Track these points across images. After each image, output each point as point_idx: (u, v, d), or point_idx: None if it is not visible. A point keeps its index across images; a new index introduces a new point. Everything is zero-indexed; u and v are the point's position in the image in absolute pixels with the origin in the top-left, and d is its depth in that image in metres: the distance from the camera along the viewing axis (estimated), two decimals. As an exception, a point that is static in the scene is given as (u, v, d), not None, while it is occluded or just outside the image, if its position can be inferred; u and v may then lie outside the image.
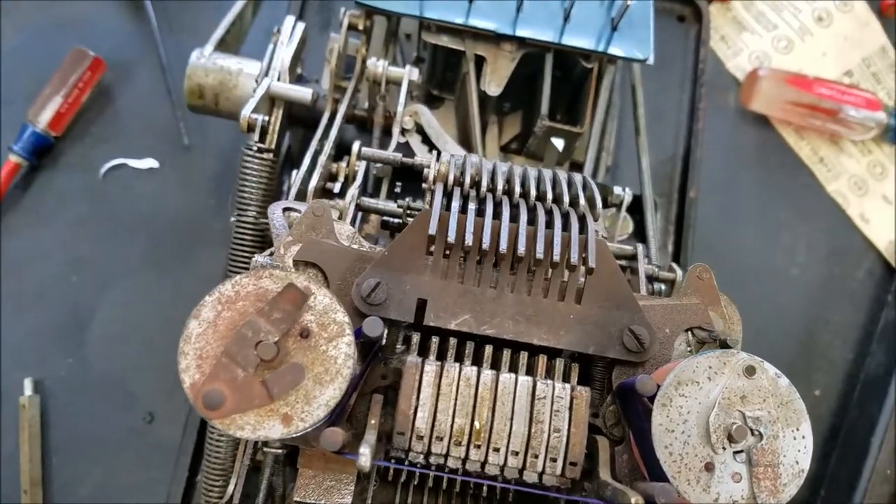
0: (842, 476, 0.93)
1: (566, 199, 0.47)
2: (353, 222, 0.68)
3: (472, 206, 0.46)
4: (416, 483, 0.57)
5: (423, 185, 0.52)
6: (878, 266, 1.06)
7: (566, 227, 0.46)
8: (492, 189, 0.48)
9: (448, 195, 0.47)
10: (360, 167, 0.64)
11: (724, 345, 0.47)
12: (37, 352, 0.92)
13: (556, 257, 0.44)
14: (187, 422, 0.86)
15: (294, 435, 0.38)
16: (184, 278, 0.96)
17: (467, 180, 0.47)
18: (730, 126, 1.09)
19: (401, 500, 0.56)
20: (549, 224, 0.45)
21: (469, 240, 0.45)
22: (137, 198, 0.98)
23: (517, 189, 0.48)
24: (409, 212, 0.58)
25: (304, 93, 0.72)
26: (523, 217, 0.45)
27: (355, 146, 0.63)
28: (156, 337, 0.94)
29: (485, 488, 0.57)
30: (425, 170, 0.51)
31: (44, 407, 0.90)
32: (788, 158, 1.09)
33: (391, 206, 0.58)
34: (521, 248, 0.44)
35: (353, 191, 0.59)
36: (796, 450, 0.42)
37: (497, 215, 0.46)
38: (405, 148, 0.76)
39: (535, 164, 0.78)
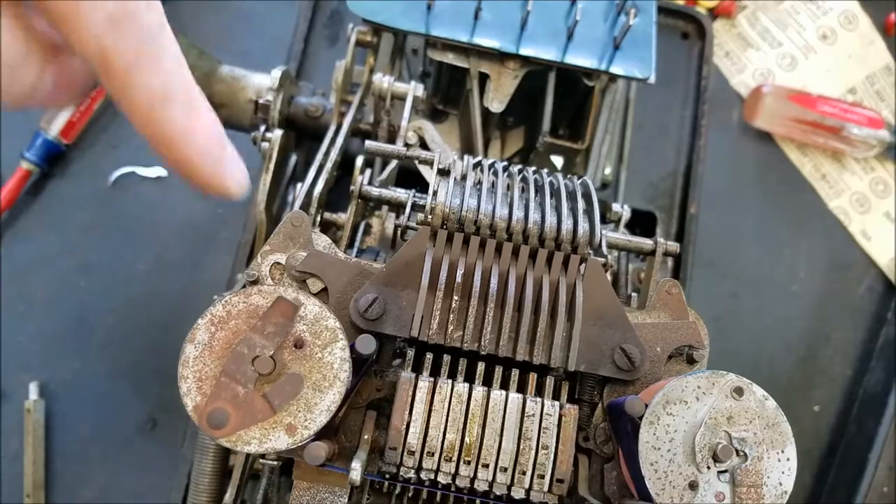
0: (839, 492, 0.93)
1: (564, 235, 0.48)
2: (353, 234, 0.69)
3: (471, 236, 0.47)
4: (410, 496, 0.58)
5: (416, 221, 0.53)
6: (878, 283, 1.06)
7: (558, 254, 0.47)
8: (490, 228, 0.48)
9: (444, 222, 0.48)
10: (364, 179, 0.65)
11: (690, 359, 0.48)
12: (43, 356, 0.93)
13: (545, 300, 0.45)
14: (188, 428, 0.87)
15: (300, 444, 0.39)
16: (190, 286, 0.98)
17: (465, 213, 0.48)
18: (733, 142, 1.10)
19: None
20: (547, 258, 0.46)
21: (459, 280, 0.46)
22: (145, 205, 0.99)
23: (515, 222, 0.48)
24: (415, 198, 0.58)
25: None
26: (520, 256, 0.47)
27: (359, 161, 0.64)
28: (161, 344, 0.95)
29: (477, 502, 0.58)
30: (427, 201, 0.51)
31: (48, 411, 0.92)
32: (791, 175, 1.10)
33: (399, 192, 0.58)
34: (511, 290, 0.45)
35: (358, 182, 0.59)
36: (780, 471, 0.43)
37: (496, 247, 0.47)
38: (409, 161, 0.77)
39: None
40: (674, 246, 0.56)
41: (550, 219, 0.47)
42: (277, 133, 0.68)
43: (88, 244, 0.97)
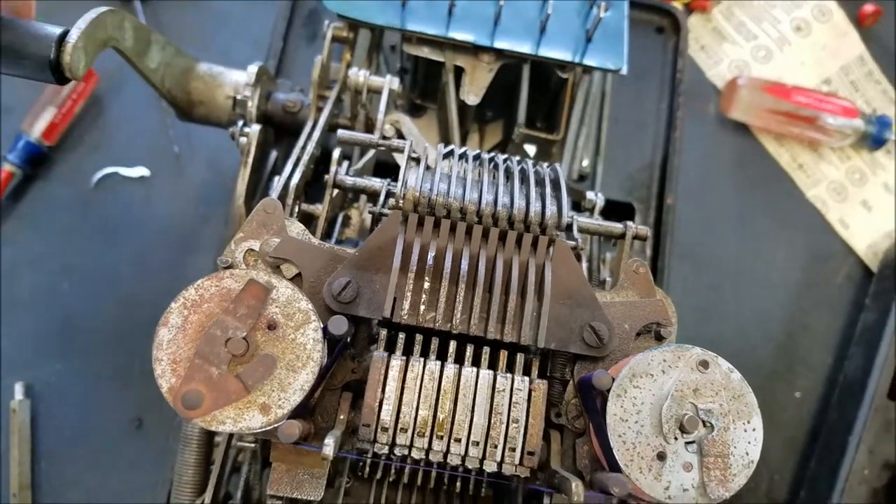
0: (821, 477, 0.94)
1: (532, 217, 0.49)
2: (331, 226, 0.70)
3: (441, 220, 0.48)
4: (391, 480, 0.59)
5: (387, 207, 0.54)
6: (857, 270, 1.08)
7: (527, 234, 0.48)
8: (461, 212, 0.49)
9: (415, 207, 0.49)
10: (341, 171, 0.65)
11: (658, 336, 0.49)
12: (28, 357, 0.93)
13: (514, 278, 0.46)
14: (173, 426, 0.87)
15: (274, 424, 0.40)
16: (173, 285, 0.96)
17: (434, 194, 0.49)
18: (710, 134, 1.11)
19: (375, 497, 0.58)
20: (516, 240, 0.47)
21: (430, 262, 0.46)
22: (128, 205, 1.00)
23: (484, 205, 0.49)
24: (390, 187, 0.59)
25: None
26: (490, 238, 0.47)
27: (336, 152, 0.65)
28: (145, 343, 0.94)
29: (458, 483, 0.58)
30: (397, 188, 0.52)
31: (34, 411, 0.92)
32: (768, 165, 1.11)
33: (374, 181, 0.59)
34: (481, 271, 0.46)
35: (332, 171, 0.60)
36: (747, 441, 0.44)
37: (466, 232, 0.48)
38: (386, 154, 0.78)
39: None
40: (643, 230, 0.57)
41: (519, 202, 0.48)
42: (255, 128, 0.69)
43: (72, 246, 0.98)
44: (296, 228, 0.49)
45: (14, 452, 0.90)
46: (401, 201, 0.48)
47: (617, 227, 0.58)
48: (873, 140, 1.09)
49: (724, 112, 1.10)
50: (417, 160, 0.54)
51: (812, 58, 1.15)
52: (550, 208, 0.47)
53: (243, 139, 0.70)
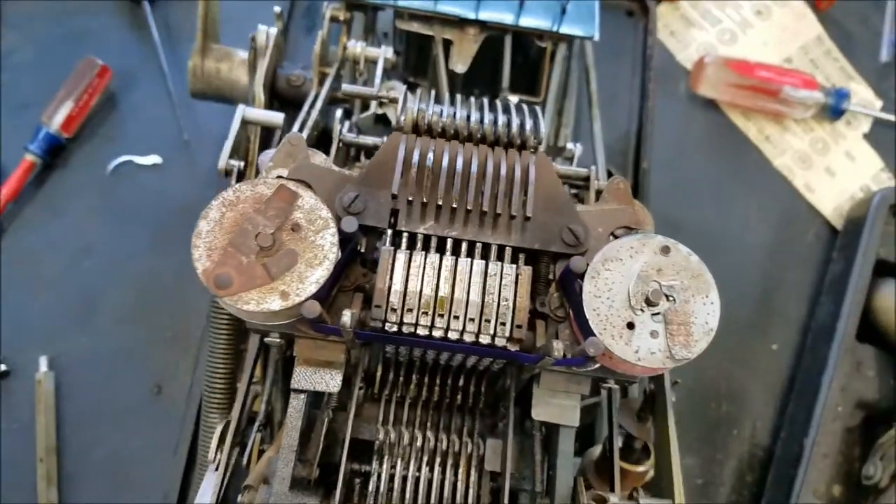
0: (798, 416, 1.01)
1: (514, 126, 0.57)
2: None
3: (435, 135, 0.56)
4: (398, 397, 0.65)
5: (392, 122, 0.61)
6: (824, 230, 1.16)
7: (512, 145, 0.55)
8: (452, 121, 0.57)
9: (415, 126, 0.56)
10: (343, 129, 0.73)
11: None
12: (51, 331, 1.00)
13: (503, 173, 0.53)
14: (192, 385, 0.93)
15: (290, 305, 0.47)
16: (186, 262, 1.02)
17: (430, 112, 0.56)
18: (682, 112, 1.19)
19: (384, 410, 0.64)
20: (499, 143, 0.55)
21: (430, 162, 0.54)
22: (142, 190, 1.07)
23: (473, 119, 0.57)
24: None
25: (275, 118, 0.75)
26: (478, 147, 0.55)
27: (338, 112, 0.73)
28: (161, 315, 1.02)
29: (458, 398, 0.65)
30: (396, 105, 0.60)
31: (58, 382, 0.98)
32: (737, 138, 1.20)
33: (372, 139, 0.67)
34: (474, 169, 0.54)
35: (337, 129, 0.68)
36: (706, 313, 0.50)
37: (456, 139, 0.55)
38: (383, 118, 0.86)
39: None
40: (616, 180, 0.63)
41: (502, 118, 0.56)
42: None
43: (91, 228, 1.04)
44: (318, 158, 0.56)
45: (40, 419, 0.95)
46: (402, 121, 0.55)
47: (583, 171, 0.67)
48: (832, 111, 1.18)
49: (693, 89, 1.18)
50: (414, 87, 0.61)
51: (773, 38, 1.24)
52: (529, 122, 0.55)
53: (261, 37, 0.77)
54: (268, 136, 0.78)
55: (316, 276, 0.48)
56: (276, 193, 0.49)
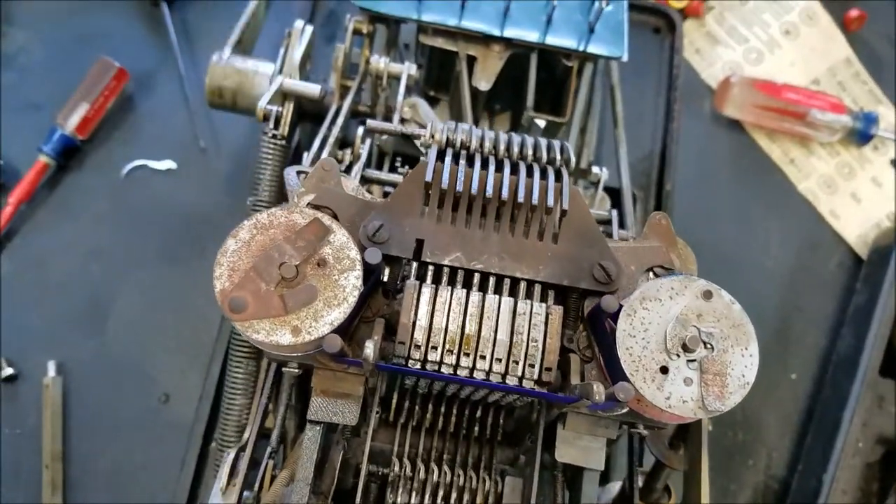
0: (816, 451, 0.98)
1: (544, 155, 0.55)
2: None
3: (462, 161, 0.54)
4: (414, 424, 0.64)
5: (419, 144, 0.59)
6: (848, 258, 1.13)
7: (544, 177, 0.53)
8: (480, 148, 0.55)
9: (441, 153, 0.55)
10: (364, 148, 0.71)
11: None
12: (60, 336, 0.98)
13: (535, 201, 0.51)
14: (201, 397, 0.92)
15: (299, 343, 0.45)
16: (197, 270, 1.03)
17: (459, 139, 0.55)
18: (706, 131, 1.17)
19: (400, 439, 0.62)
20: (529, 174, 0.53)
21: (460, 186, 0.52)
22: (156, 196, 1.06)
23: (502, 148, 0.55)
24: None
25: (312, 88, 0.80)
26: (506, 169, 0.53)
27: (360, 129, 0.71)
28: (170, 323, 1.01)
29: (476, 428, 0.63)
30: (422, 136, 0.58)
31: (65, 388, 0.96)
32: (761, 160, 1.17)
33: (394, 176, 0.65)
34: (505, 193, 0.52)
35: (358, 166, 0.67)
36: (744, 365, 0.48)
37: (484, 167, 0.53)
38: (404, 135, 0.84)
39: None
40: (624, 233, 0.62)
41: (531, 143, 0.54)
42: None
43: (102, 232, 1.03)
44: (351, 185, 0.55)
45: (47, 426, 0.94)
46: (429, 151, 0.53)
47: (603, 214, 0.65)
48: (860, 135, 1.16)
49: (718, 109, 1.16)
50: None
51: (801, 59, 1.22)
52: (560, 145, 0.53)
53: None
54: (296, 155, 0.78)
55: (331, 317, 0.46)
56: (308, 225, 0.47)
